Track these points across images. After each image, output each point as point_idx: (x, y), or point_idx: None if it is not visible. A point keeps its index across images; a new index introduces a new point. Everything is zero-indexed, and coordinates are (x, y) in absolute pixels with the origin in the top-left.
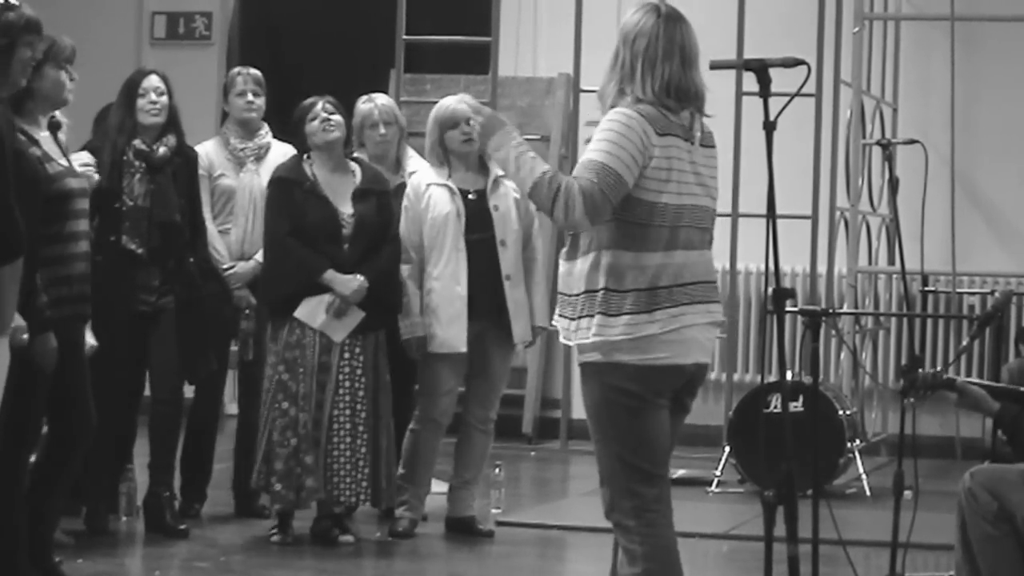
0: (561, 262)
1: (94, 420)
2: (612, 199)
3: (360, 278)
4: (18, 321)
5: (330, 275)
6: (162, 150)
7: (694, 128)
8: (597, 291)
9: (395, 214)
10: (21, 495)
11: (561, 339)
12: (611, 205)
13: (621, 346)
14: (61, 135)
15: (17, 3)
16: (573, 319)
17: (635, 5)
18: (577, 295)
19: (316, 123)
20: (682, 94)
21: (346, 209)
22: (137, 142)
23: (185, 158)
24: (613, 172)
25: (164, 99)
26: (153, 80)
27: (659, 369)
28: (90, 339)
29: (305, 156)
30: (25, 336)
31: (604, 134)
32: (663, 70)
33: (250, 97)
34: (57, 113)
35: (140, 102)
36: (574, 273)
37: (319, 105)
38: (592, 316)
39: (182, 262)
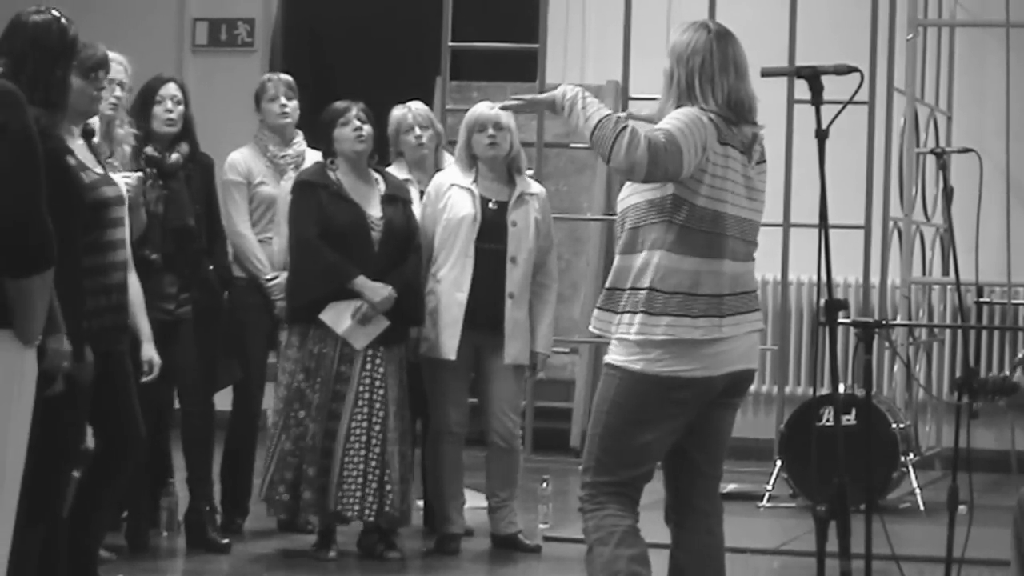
0: (617, 256)
1: (143, 433)
2: (671, 164)
3: (390, 287)
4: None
5: (360, 281)
6: (174, 156)
7: (754, 147)
8: (643, 289)
9: (418, 223)
10: (62, 513)
11: (593, 327)
12: (669, 168)
13: (657, 351)
14: (95, 141)
15: (65, 16)
16: (617, 313)
17: (682, 24)
18: (624, 290)
19: (348, 130)
20: (739, 107)
21: (374, 212)
22: (148, 149)
23: (200, 165)
24: (677, 144)
25: (180, 108)
26: (171, 88)
27: (688, 381)
28: (155, 357)
29: (329, 161)
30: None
31: (674, 119)
32: (722, 84)
33: (283, 100)
34: (93, 120)
35: (156, 110)
36: (626, 269)
37: (352, 112)
38: (635, 313)
39: (198, 268)
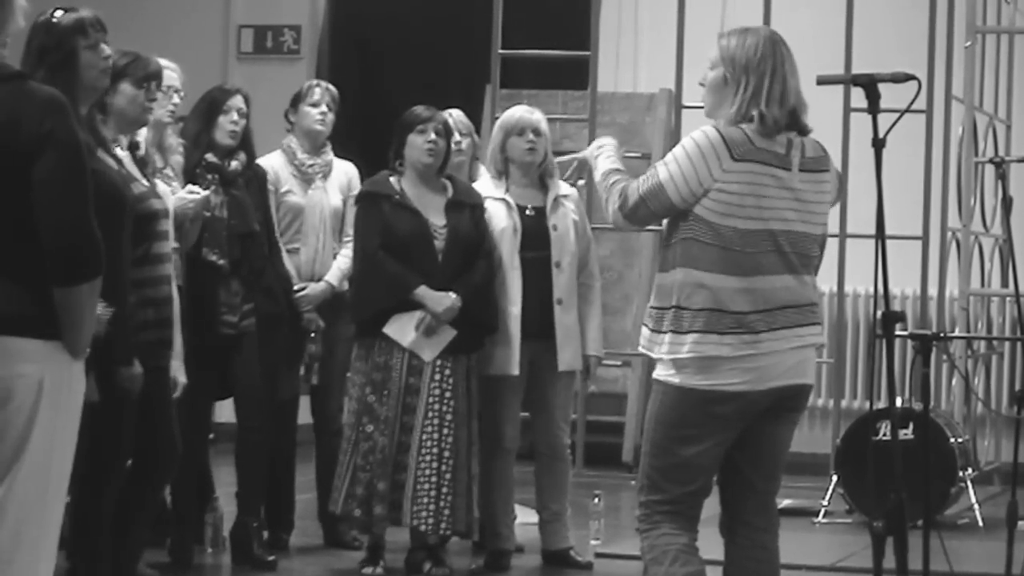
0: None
1: (179, 450)
2: (653, 209)
3: (453, 296)
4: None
5: (422, 291)
6: (234, 163)
7: (791, 153)
8: (670, 308)
9: (488, 229)
10: (106, 529)
11: (641, 347)
12: (651, 214)
13: (689, 367)
14: (140, 153)
15: (65, 8)
16: (654, 331)
17: (731, 31)
18: (657, 308)
19: (421, 140)
20: (799, 110)
21: (438, 221)
22: (209, 156)
23: (255, 174)
24: (663, 191)
25: (244, 122)
26: (238, 101)
27: (727, 396)
28: (180, 376)
29: (398, 164)
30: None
31: (678, 148)
32: (792, 87)
33: (323, 109)
34: (139, 133)
35: (221, 119)
36: (661, 287)
37: (432, 124)
38: (665, 332)
39: (262, 275)
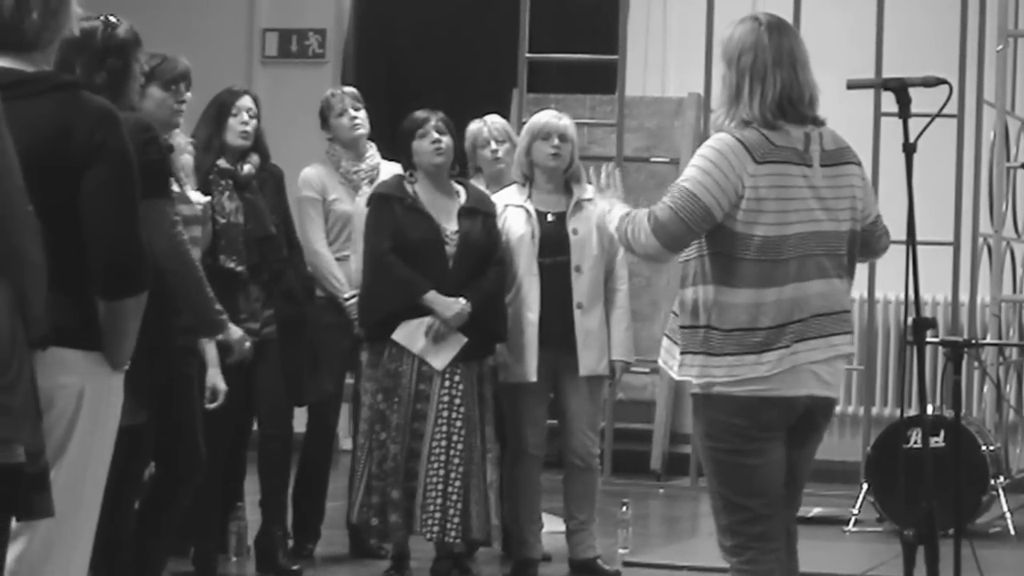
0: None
1: (203, 458)
2: (693, 226)
3: (462, 301)
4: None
5: (431, 296)
6: (247, 167)
7: (810, 148)
8: (700, 327)
9: (501, 238)
10: (128, 537)
11: (660, 361)
12: (692, 231)
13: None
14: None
15: (116, 19)
16: (684, 353)
17: (732, 22)
18: (683, 327)
19: (426, 143)
20: (796, 102)
21: (450, 226)
22: (221, 161)
23: (270, 174)
24: (696, 199)
25: (255, 122)
26: (247, 101)
27: (765, 401)
28: (220, 383)
29: (408, 174)
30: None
31: (696, 159)
32: (774, 79)
33: (352, 113)
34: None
35: (231, 122)
36: (682, 303)
37: (431, 123)
38: (695, 354)
39: (281, 278)
